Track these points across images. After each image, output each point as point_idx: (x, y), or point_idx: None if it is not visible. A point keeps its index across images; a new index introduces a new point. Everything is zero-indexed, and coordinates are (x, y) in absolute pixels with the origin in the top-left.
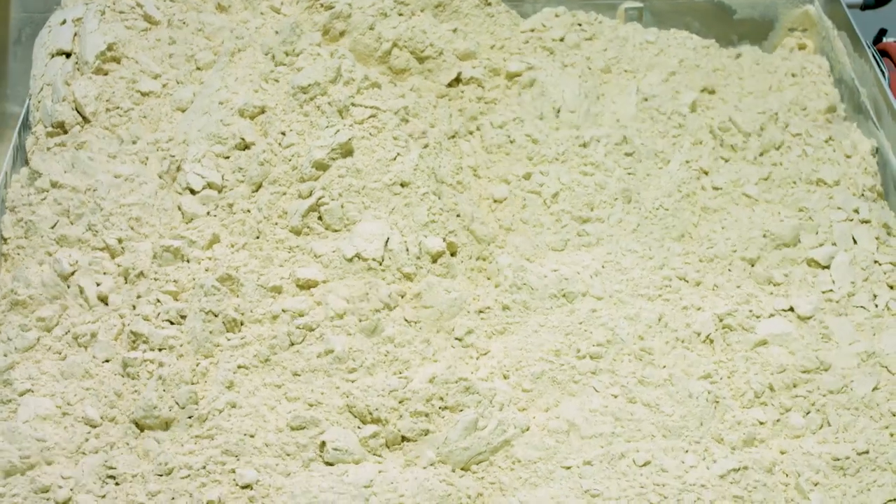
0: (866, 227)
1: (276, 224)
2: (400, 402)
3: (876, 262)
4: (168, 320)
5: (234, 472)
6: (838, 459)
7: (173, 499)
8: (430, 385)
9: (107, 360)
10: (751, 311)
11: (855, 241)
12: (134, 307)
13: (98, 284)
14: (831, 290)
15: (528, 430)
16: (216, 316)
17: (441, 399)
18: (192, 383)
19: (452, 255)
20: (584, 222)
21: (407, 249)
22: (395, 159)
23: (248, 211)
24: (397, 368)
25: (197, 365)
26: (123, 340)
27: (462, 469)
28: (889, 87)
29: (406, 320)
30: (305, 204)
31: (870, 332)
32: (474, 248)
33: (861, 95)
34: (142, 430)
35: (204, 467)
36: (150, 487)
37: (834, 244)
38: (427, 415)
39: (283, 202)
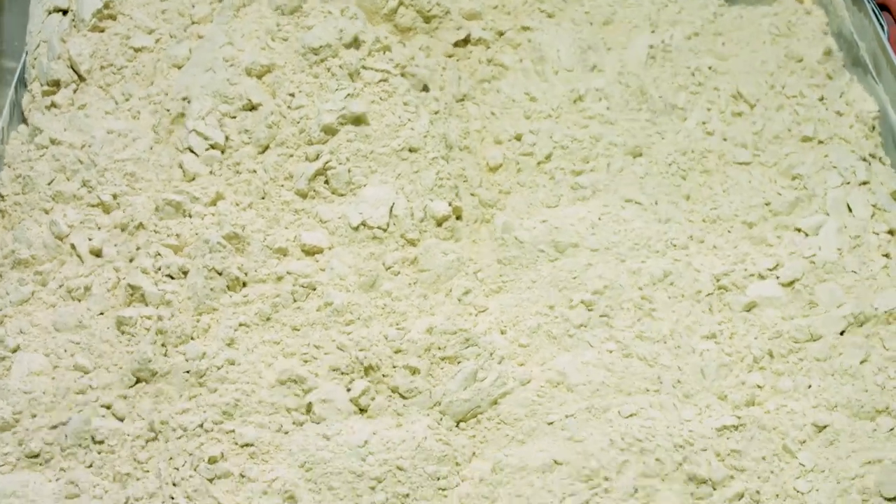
0: (863, 189)
1: (283, 186)
2: (396, 352)
3: (871, 231)
4: (168, 275)
5: (233, 431)
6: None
7: (171, 458)
8: (428, 335)
9: (101, 313)
10: (745, 269)
11: (850, 209)
12: (131, 260)
13: (90, 239)
14: (815, 255)
15: (528, 382)
16: (219, 274)
17: (440, 349)
18: (192, 338)
19: (458, 218)
20: (577, 175)
21: (412, 214)
22: (405, 125)
23: (254, 171)
24: (394, 320)
25: (198, 321)
26: (119, 294)
27: (462, 421)
28: (888, 41)
29: (406, 276)
30: (312, 167)
31: (854, 296)
32: (479, 211)
33: (860, 50)
34: (137, 382)
35: (201, 425)
36: (145, 448)
37: (826, 213)
38: (422, 368)
39: (289, 164)
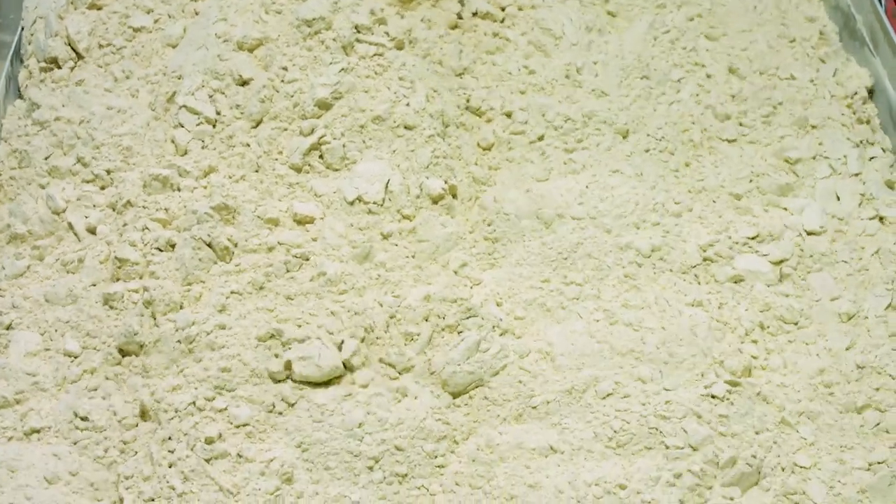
0: (852, 181)
1: (276, 160)
2: (391, 318)
3: (858, 217)
4: (157, 248)
5: (225, 409)
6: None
7: (165, 440)
8: (426, 303)
9: (93, 284)
10: (730, 238)
11: (838, 198)
12: (121, 234)
13: (86, 217)
14: (802, 238)
15: (527, 355)
16: (208, 244)
17: (440, 318)
18: (182, 306)
19: (454, 196)
20: (569, 152)
21: (408, 191)
22: (400, 101)
23: (248, 145)
24: (389, 290)
25: (188, 291)
26: (110, 265)
27: (462, 393)
28: (886, 14)
29: (402, 248)
30: (307, 142)
31: (850, 287)
32: (473, 189)
33: (857, 23)
34: (125, 356)
35: (193, 403)
36: (136, 427)
37: (815, 199)
38: (419, 335)
39: (283, 138)
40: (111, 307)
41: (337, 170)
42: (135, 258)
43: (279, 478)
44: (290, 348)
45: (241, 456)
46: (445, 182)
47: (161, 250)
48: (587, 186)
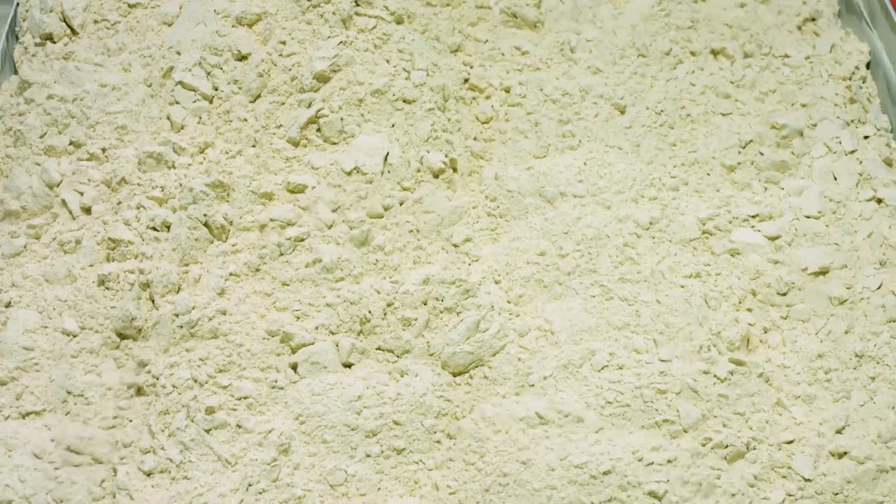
0: (848, 159)
1: (274, 134)
2: (388, 305)
3: (854, 199)
4: (152, 227)
5: (229, 386)
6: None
7: (167, 411)
8: (425, 286)
9: (90, 265)
10: (729, 212)
11: (835, 178)
12: (115, 213)
13: (81, 194)
14: (797, 220)
15: (526, 333)
16: (204, 224)
17: (439, 300)
18: (179, 289)
19: (454, 170)
20: (564, 124)
21: (408, 164)
22: (399, 74)
23: (245, 120)
24: (387, 274)
25: (186, 272)
26: (106, 247)
27: (462, 373)
28: None
29: (403, 224)
30: (304, 115)
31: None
32: (472, 163)
33: None
34: (123, 339)
35: (194, 379)
36: (132, 399)
37: (812, 179)
38: (416, 320)
39: (281, 112)
40: (107, 288)
41: (335, 143)
42: (128, 238)
43: (276, 449)
44: (296, 351)
45: (240, 427)
46: (446, 156)
47: (156, 230)
48: (585, 163)
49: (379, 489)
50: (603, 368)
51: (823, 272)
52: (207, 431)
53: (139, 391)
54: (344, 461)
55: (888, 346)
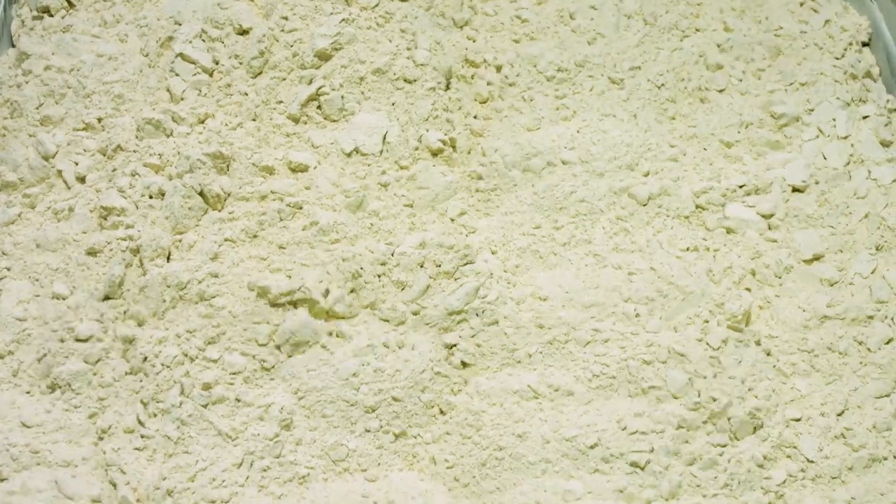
0: (840, 143)
1: (275, 109)
2: (382, 265)
3: (846, 179)
4: (147, 195)
5: (220, 359)
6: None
7: (157, 388)
8: (421, 249)
9: (83, 232)
10: (720, 184)
11: (824, 157)
12: (110, 180)
13: (76, 164)
14: (787, 195)
15: (522, 302)
16: (199, 193)
17: (437, 264)
18: (169, 255)
19: (453, 149)
20: (561, 98)
21: (407, 142)
22: (401, 53)
23: (246, 94)
24: (382, 238)
25: (179, 240)
26: (98, 213)
27: (454, 346)
28: None
29: (398, 197)
30: (305, 92)
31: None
32: (472, 141)
33: None
34: (107, 298)
35: (185, 354)
36: (124, 378)
37: (803, 156)
38: (412, 285)
39: (282, 88)
40: (97, 256)
41: (335, 121)
42: (121, 205)
43: (279, 424)
44: (280, 315)
45: (239, 400)
46: (445, 134)
47: (151, 197)
48: (578, 131)
49: (379, 464)
50: (594, 340)
51: (818, 258)
52: (205, 406)
53: (131, 371)
54: (345, 436)
55: (873, 330)
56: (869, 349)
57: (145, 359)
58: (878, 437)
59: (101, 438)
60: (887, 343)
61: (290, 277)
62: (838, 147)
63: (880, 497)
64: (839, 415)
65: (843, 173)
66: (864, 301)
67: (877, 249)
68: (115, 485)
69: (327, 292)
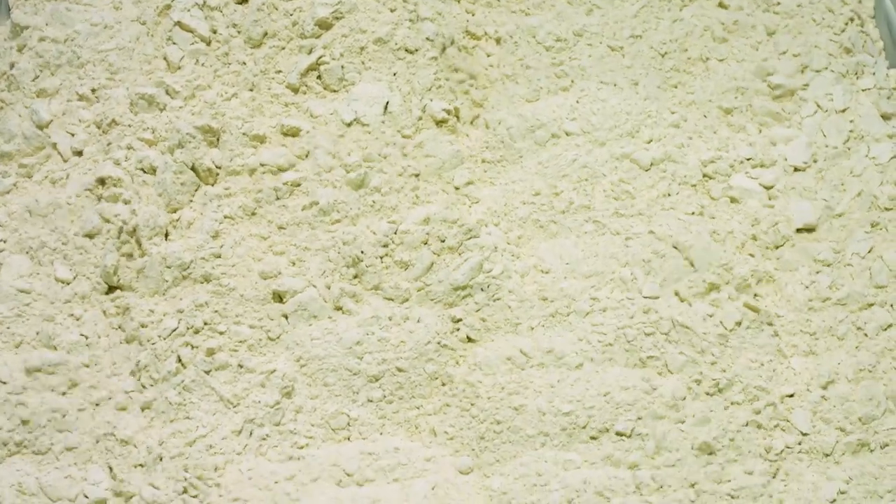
0: (838, 117)
1: (273, 79)
2: (384, 246)
3: (843, 154)
4: (140, 169)
5: (226, 332)
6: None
7: (157, 357)
8: (424, 226)
9: (77, 195)
10: (728, 154)
11: (824, 135)
12: (106, 153)
13: (72, 136)
14: (788, 174)
15: (526, 274)
16: (190, 167)
17: (441, 240)
18: (166, 233)
19: (457, 118)
20: (559, 65)
21: (410, 112)
22: (402, 23)
23: (244, 63)
24: (385, 215)
25: (177, 219)
26: (94, 183)
27: (460, 320)
28: None
29: (402, 168)
30: (305, 62)
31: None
32: (474, 111)
33: None
34: (111, 289)
35: (188, 326)
36: (121, 346)
37: (802, 131)
38: (416, 264)
39: (281, 58)
40: (94, 238)
41: (335, 91)
42: (117, 176)
43: (280, 392)
44: (286, 300)
45: (241, 366)
46: (449, 104)
47: (145, 171)
48: (578, 101)
49: (381, 434)
50: (592, 311)
51: (810, 229)
52: (207, 373)
53: (130, 340)
54: (346, 405)
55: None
56: (866, 335)
57: (143, 327)
58: (865, 427)
59: (97, 405)
60: (885, 329)
61: (294, 265)
62: (837, 122)
63: (874, 480)
64: (823, 387)
65: (843, 151)
66: (863, 285)
67: (871, 227)
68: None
69: (330, 287)
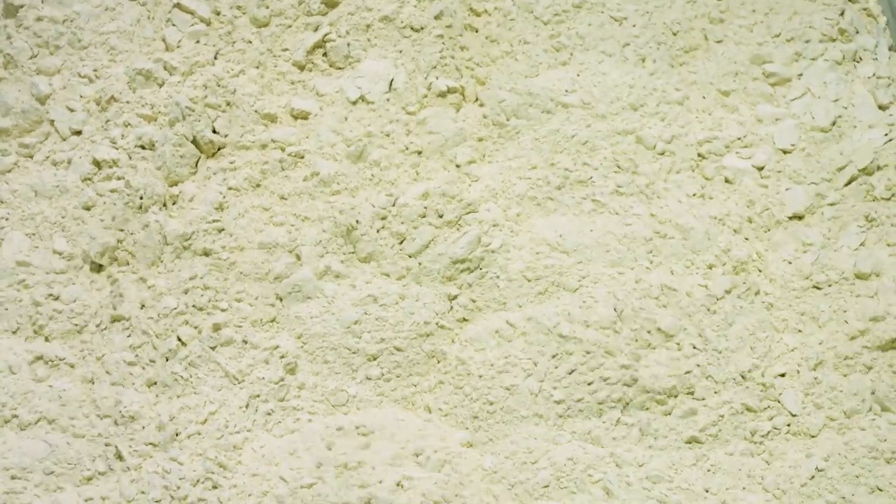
0: (831, 104)
1: (279, 57)
2: (382, 219)
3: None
4: (140, 146)
5: (226, 309)
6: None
7: (157, 336)
8: (423, 200)
9: (82, 179)
10: (727, 137)
11: (813, 117)
12: (105, 130)
13: (72, 111)
14: (778, 157)
15: (523, 248)
16: (190, 140)
17: (439, 215)
18: (165, 203)
19: (462, 97)
20: (556, 37)
21: (415, 90)
22: (408, 1)
23: (250, 42)
24: (384, 189)
25: (177, 193)
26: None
27: (456, 297)
28: None
29: (405, 144)
30: (311, 39)
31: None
32: (478, 89)
33: None
34: (111, 262)
35: (189, 304)
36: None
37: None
38: (414, 238)
39: (287, 35)
40: (92, 209)
41: (341, 68)
42: (113, 157)
43: (284, 368)
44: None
45: (246, 342)
46: (455, 81)
47: (144, 147)
48: (578, 74)
49: (378, 409)
50: (582, 287)
51: (799, 216)
52: (213, 349)
53: (118, 318)
54: (346, 382)
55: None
56: (846, 321)
57: (143, 306)
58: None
59: (92, 382)
60: (871, 320)
61: (289, 233)
62: (826, 107)
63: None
64: (812, 368)
65: (834, 136)
66: (850, 270)
67: (866, 220)
68: (117, 423)
69: (322, 256)
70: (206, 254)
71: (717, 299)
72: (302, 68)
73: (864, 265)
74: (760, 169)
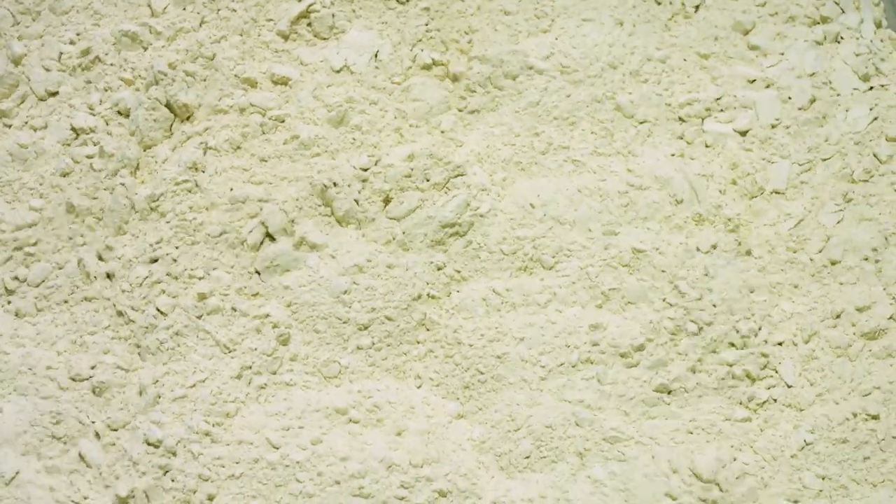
0: (813, 80)
1: (263, 26)
2: (363, 182)
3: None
4: (117, 111)
5: (205, 276)
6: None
7: (132, 308)
8: (409, 162)
9: (58, 143)
10: (706, 99)
11: (789, 99)
12: (87, 93)
13: (48, 71)
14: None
15: (510, 213)
16: (164, 104)
17: (426, 179)
18: (137, 167)
19: (447, 68)
20: (539, 25)
21: (400, 61)
22: None
23: (234, 10)
24: (366, 151)
25: (153, 156)
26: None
27: (442, 251)
28: None
29: (389, 110)
30: (296, 9)
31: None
32: (463, 61)
33: None
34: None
35: (167, 273)
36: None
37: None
38: (402, 202)
39: (272, 5)
40: (68, 176)
41: (325, 39)
42: (90, 125)
43: (277, 339)
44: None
45: (234, 310)
46: (441, 54)
47: (121, 114)
48: (556, 38)
49: (371, 380)
50: (562, 251)
51: (780, 192)
52: (199, 318)
53: (102, 278)
54: (337, 352)
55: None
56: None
57: (107, 275)
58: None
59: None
60: (859, 311)
61: (267, 192)
62: (811, 83)
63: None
64: (806, 342)
65: (818, 116)
66: (833, 256)
67: (843, 200)
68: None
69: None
70: (175, 215)
71: (708, 259)
72: (286, 38)
73: (837, 245)
74: (744, 134)
